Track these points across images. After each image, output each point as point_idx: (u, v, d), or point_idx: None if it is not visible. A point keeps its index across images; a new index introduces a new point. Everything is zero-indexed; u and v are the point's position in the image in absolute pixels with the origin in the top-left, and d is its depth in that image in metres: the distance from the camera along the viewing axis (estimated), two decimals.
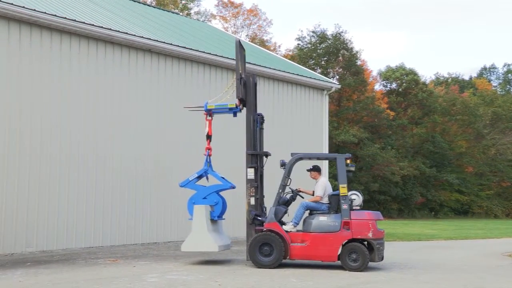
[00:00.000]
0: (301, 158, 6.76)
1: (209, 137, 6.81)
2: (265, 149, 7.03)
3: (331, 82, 13.11)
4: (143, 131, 9.00)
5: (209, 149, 6.80)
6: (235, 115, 6.96)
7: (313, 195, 6.87)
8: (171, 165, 9.31)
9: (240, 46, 6.83)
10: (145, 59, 9.12)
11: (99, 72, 8.40)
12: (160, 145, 9.24)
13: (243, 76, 6.80)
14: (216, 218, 6.63)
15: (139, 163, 8.82)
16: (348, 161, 6.63)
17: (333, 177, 18.61)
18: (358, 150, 25.74)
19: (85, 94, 8.25)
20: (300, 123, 11.95)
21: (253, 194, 6.62)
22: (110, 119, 8.51)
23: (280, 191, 6.61)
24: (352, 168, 6.63)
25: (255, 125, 6.75)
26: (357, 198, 6.60)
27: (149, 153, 9.02)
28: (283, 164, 6.71)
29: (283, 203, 6.74)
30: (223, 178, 6.80)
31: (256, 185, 6.67)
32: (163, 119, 9.34)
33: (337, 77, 27.88)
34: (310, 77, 12.25)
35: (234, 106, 6.78)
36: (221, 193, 6.74)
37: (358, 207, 6.57)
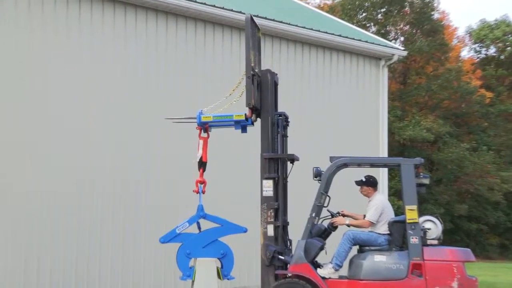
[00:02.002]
0: (345, 165, 6.80)
1: (203, 164, 6.77)
2: (290, 152, 7.08)
3: (392, 47, 13.15)
4: (105, 134, 9.06)
5: (202, 182, 6.77)
6: (244, 130, 6.94)
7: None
8: (141, 181, 9.35)
9: (252, 24, 6.75)
10: (104, 12, 9.21)
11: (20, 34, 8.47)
12: (127, 152, 9.28)
13: (256, 71, 6.80)
14: (228, 277, 6.65)
15: (92, 177, 8.90)
16: (420, 170, 6.67)
17: (395, 194, 18.67)
18: (435, 152, 25.58)
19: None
20: (343, 112, 11.99)
21: (272, 219, 6.66)
22: (36, 110, 8.52)
23: (314, 215, 6.65)
24: (426, 181, 6.67)
25: (275, 129, 6.79)
26: (433, 227, 6.61)
27: (106, 164, 9.04)
28: (318, 174, 6.77)
29: (318, 234, 6.79)
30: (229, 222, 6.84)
31: (277, 206, 6.71)
32: (135, 114, 9.39)
33: (402, 38, 27.78)
34: (360, 40, 12.26)
35: (243, 117, 6.76)
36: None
37: (436, 241, 6.59)
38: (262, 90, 6.81)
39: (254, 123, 6.86)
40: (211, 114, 6.87)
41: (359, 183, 7.06)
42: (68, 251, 8.59)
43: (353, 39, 12.06)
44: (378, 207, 6.84)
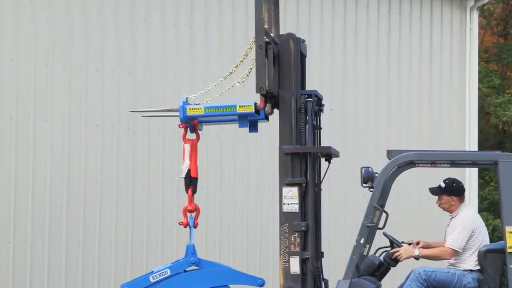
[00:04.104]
0: (412, 163, 6.81)
1: (192, 182, 6.88)
2: (326, 144, 7.09)
3: None
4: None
5: (193, 210, 6.85)
6: (253, 128, 6.97)
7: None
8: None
9: None
10: None
11: None
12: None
13: (272, 36, 6.79)
14: None
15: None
16: None
17: (490, 208, 18.59)
18: None
19: None
20: (408, 81, 12.09)
21: (297, 248, 6.69)
22: None
23: (363, 242, 6.69)
24: None
25: (301, 118, 6.76)
26: None
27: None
28: (369, 178, 6.81)
29: (370, 272, 6.82)
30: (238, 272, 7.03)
31: (304, 227, 6.74)
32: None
33: None
34: None
35: (252, 108, 6.73)
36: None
37: None
38: (282, 67, 6.77)
39: (270, 116, 6.82)
40: (201, 104, 6.83)
41: (435, 191, 7.10)
42: None
43: None
44: (465, 228, 6.90)
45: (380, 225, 6.69)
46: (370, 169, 6.79)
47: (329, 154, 6.93)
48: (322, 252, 6.95)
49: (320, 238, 6.92)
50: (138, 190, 10.09)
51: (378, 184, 6.67)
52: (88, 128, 9.89)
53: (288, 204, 6.70)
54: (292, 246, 6.67)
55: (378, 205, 6.63)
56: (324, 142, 7.11)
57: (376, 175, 6.74)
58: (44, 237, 9.52)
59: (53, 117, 9.67)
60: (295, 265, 6.66)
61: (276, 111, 6.84)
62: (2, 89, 9.38)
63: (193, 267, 6.87)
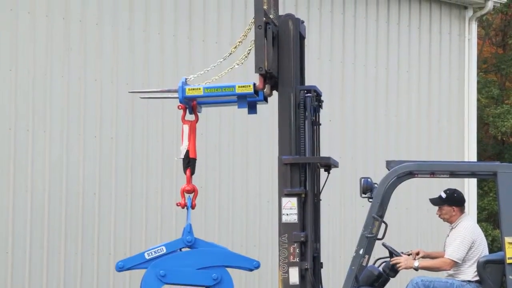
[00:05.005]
0: (411, 174, 6.84)
1: (190, 163, 6.89)
2: (325, 154, 7.11)
3: None
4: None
5: (191, 191, 6.87)
6: (252, 110, 6.98)
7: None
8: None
9: None
10: None
11: None
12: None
13: (272, 17, 6.80)
14: None
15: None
16: None
17: (489, 218, 18.54)
18: None
19: None
20: (407, 90, 12.10)
21: (296, 259, 6.70)
22: None
23: (362, 252, 6.69)
24: None
25: (300, 113, 6.79)
26: None
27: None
28: (368, 189, 6.83)
29: (369, 282, 6.86)
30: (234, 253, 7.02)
31: (303, 237, 6.75)
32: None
33: None
34: None
35: (251, 89, 6.77)
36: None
37: None
38: (281, 47, 6.80)
39: (269, 98, 6.85)
40: (201, 84, 6.86)
41: (436, 201, 7.12)
42: None
43: None
44: (465, 238, 6.91)
45: (380, 236, 6.69)
46: (369, 179, 6.80)
47: (328, 165, 6.94)
48: (321, 263, 6.94)
49: (319, 249, 6.94)
50: (137, 200, 10.11)
51: (377, 195, 6.69)
52: (86, 138, 9.91)
53: (287, 214, 6.71)
54: (291, 256, 6.67)
55: (377, 215, 6.64)
56: (323, 152, 7.14)
57: (375, 185, 6.75)
58: (43, 247, 9.55)
59: (51, 128, 9.71)
60: (294, 276, 6.65)
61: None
62: (1, 100, 9.41)
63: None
